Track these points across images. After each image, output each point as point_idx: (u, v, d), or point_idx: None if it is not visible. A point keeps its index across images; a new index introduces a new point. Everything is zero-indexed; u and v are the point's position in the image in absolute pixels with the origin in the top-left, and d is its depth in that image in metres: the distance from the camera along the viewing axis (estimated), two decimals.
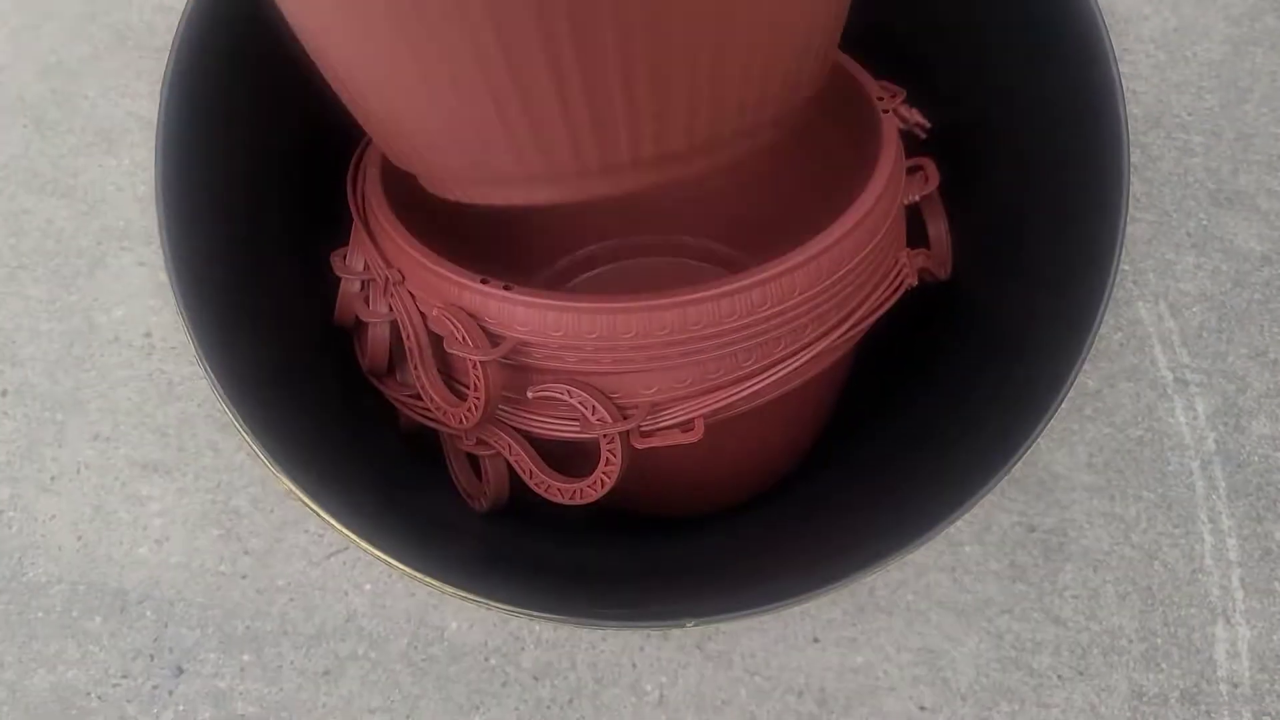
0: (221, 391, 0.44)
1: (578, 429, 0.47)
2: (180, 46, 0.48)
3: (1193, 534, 0.75)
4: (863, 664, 0.73)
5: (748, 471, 0.54)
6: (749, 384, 0.47)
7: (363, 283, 0.53)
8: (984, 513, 0.75)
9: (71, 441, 0.76)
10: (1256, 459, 0.76)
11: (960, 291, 0.56)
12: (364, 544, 0.42)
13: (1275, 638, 0.74)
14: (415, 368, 0.49)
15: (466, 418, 0.48)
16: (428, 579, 0.42)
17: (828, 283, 0.46)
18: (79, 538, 0.74)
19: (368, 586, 0.73)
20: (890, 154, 0.51)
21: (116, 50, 0.83)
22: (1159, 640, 0.73)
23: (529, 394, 0.46)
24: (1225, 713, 0.73)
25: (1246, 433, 0.77)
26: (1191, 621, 0.74)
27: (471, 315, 0.45)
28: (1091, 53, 0.47)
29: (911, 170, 0.55)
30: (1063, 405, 0.76)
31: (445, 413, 0.49)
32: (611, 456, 0.46)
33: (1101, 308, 0.44)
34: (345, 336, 0.57)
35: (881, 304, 0.50)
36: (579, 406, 0.46)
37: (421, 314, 0.48)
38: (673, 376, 0.46)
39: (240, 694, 0.72)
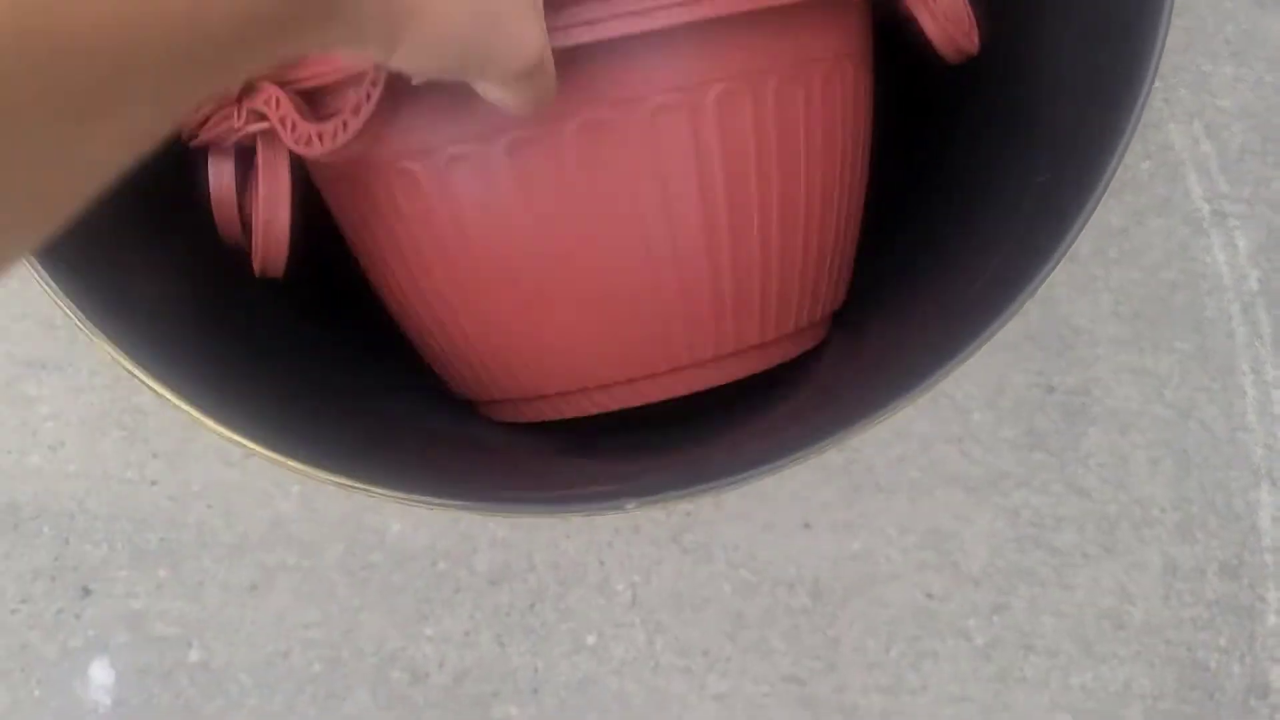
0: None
1: (355, 64, 0.37)
2: None
3: (1233, 388, 0.66)
4: (861, 550, 0.64)
5: (723, 273, 0.42)
6: None
7: None
8: (996, 373, 0.65)
9: None
10: None
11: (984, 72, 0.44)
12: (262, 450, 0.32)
13: None
14: None
15: None
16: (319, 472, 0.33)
17: None
18: None
19: (295, 488, 0.64)
20: None
21: None
22: (1195, 509, 0.64)
23: None
24: (1270, 585, 0.64)
25: None
26: (1231, 486, 0.65)
27: None
28: None
29: None
30: (1085, 249, 0.67)
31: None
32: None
33: (1152, 69, 0.34)
34: None
35: None
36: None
37: None
38: None
39: (158, 614, 0.63)
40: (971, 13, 0.42)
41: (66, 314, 0.34)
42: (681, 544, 0.64)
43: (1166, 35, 0.34)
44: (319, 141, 0.37)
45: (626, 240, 0.40)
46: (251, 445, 0.32)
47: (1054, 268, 0.33)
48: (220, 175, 0.44)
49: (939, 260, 0.43)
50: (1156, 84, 0.66)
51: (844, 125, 0.42)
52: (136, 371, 0.34)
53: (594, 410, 0.45)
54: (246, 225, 0.44)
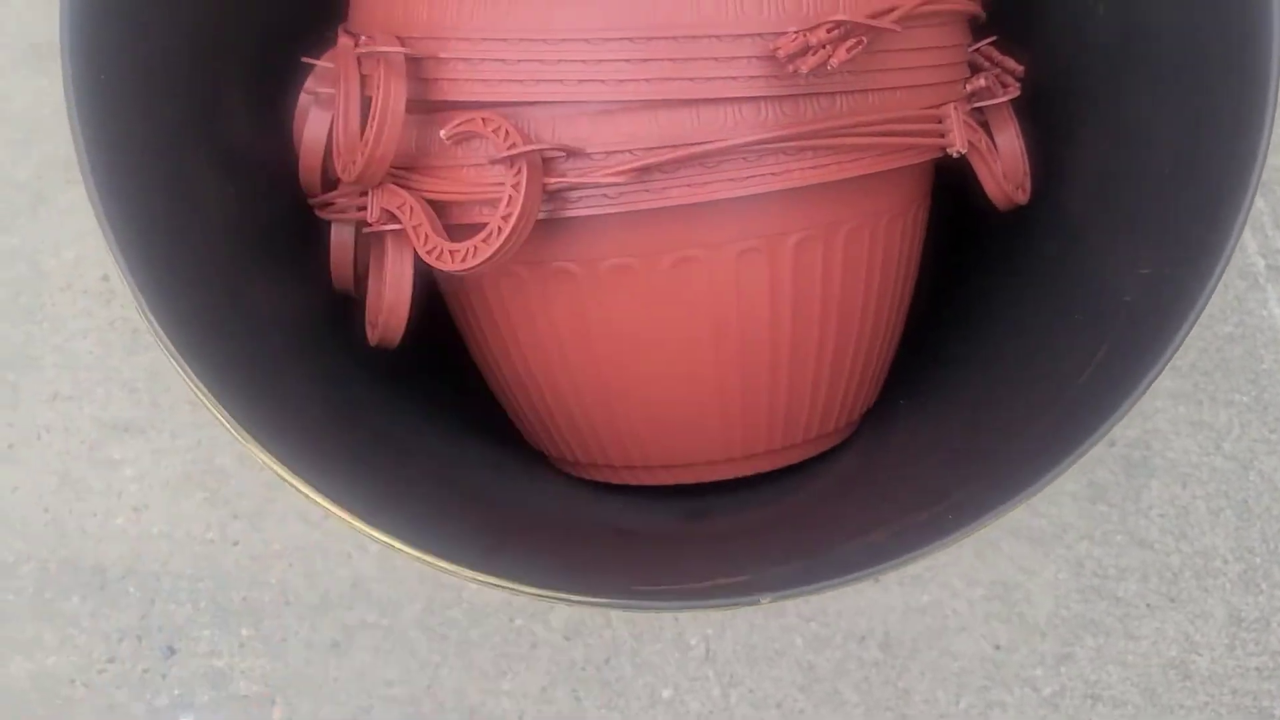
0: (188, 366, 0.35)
1: (484, 181, 0.40)
2: None
3: None
4: (929, 603, 0.65)
5: (781, 385, 0.46)
6: (708, 144, 0.39)
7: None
8: None
9: (28, 403, 0.68)
10: None
11: (1042, 222, 0.47)
12: (365, 526, 0.34)
13: None
14: (338, 117, 0.43)
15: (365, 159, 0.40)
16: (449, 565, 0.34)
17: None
18: (46, 510, 0.67)
19: (374, 547, 0.66)
20: None
21: None
22: (1258, 559, 0.66)
23: (442, 134, 0.40)
24: None
25: None
26: None
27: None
28: None
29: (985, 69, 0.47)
30: None
31: (351, 160, 0.42)
32: (515, 193, 0.38)
33: (1222, 263, 0.36)
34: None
35: (912, 143, 0.42)
36: (491, 137, 0.38)
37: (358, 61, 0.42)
38: (613, 124, 0.39)
39: (241, 672, 0.65)
40: (1028, 168, 0.45)
41: (224, 425, 0.35)
42: None
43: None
44: (449, 259, 0.39)
45: (705, 352, 0.44)
46: (407, 549, 0.34)
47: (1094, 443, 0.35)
48: (341, 239, 0.47)
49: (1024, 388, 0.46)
50: None
51: (900, 259, 0.47)
52: (294, 480, 0.35)
53: (670, 481, 0.49)
54: (360, 282, 0.47)
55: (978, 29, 0.48)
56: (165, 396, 0.68)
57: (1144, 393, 0.36)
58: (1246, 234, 0.69)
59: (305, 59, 0.46)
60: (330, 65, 0.45)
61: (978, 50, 0.48)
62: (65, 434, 0.67)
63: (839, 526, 0.42)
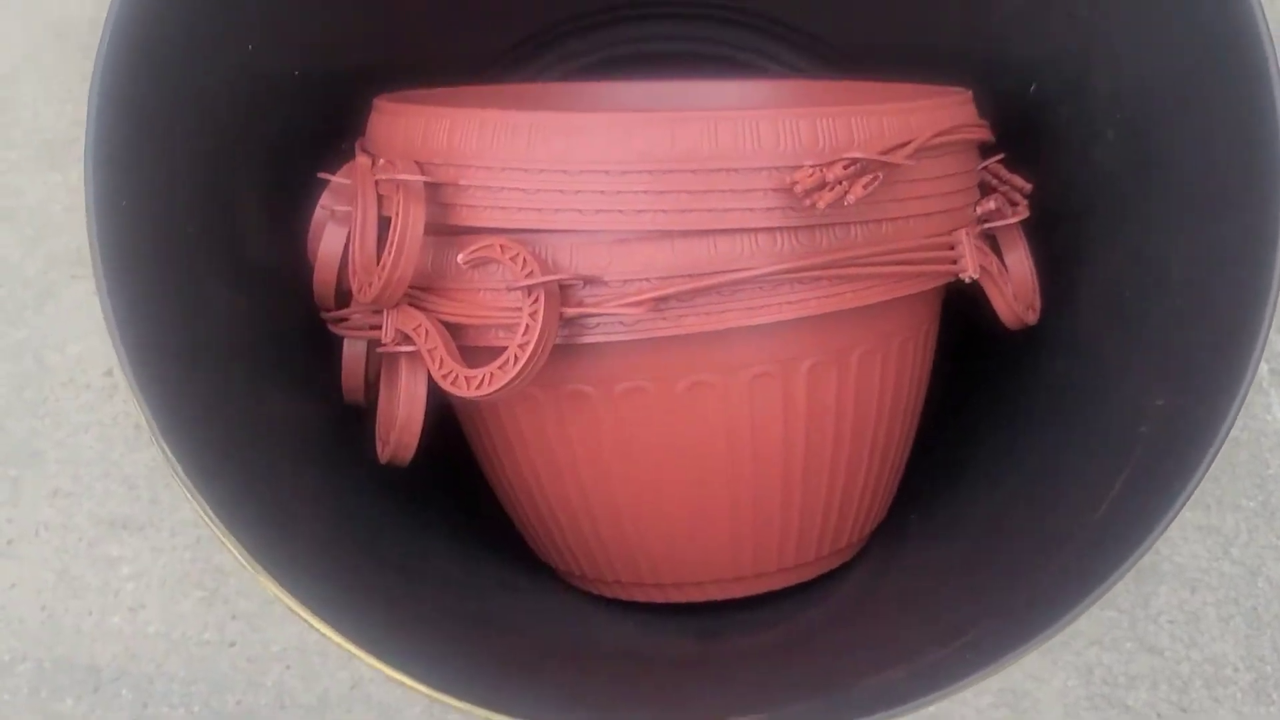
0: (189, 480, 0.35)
1: (501, 306, 0.40)
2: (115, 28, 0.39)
3: None
4: (936, 711, 0.64)
5: (793, 506, 0.46)
6: (724, 274, 0.39)
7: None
8: None
9: (28, 499, 0.67)
10: None
11: (1054, 342, 0.48)
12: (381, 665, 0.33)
13: None
14: (354, 236, 0.43)
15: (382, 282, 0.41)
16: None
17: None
18: (43, 608, 0.66)
19: None
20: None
21: (56, 50, 0.73)
22: (1269, 668, 0.65)
23: (459, 259, 0.40)
24: None
25: None
26: None
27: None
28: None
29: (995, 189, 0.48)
30: None
31: (368, 281, 0.42)
32: (533, 320, 0.38)
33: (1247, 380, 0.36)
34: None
35: (924, 271, 0.43)
36: (508, 264, 0.38)
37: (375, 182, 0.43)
38: (630, 253, 0.39)
39: None
40: (1038, 289, 0.46)
41: (233, 553, 0.35)
42: None
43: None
44: (465, 384, 0.39)
45: (718, 473, 0.45)
46: (419, 687, 0.33)
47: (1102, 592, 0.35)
48: (353, 354, 0.47)
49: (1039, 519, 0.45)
50: None
51: (912, 378, 0.48)
52: (303, 612, 0.35)
53: (680, 599, 0.49)
54: (370, 393, 0.47)
55: (987, 148, 0.49)
56: (165, 493, 0.67)
57: (1165, 530, 0.36)
58: None
59: (322, 175, 0.47)
60: (346, 181, 0.46)
61: (986, 168, 0.49)
62: (64, 530, 0.67)
63: (853, 655, 0.42)
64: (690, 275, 0.39)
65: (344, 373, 0.47)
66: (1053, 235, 0.49)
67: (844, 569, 0.50)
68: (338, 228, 0.46)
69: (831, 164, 0.38)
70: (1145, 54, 0.44)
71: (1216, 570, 0.67)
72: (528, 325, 0.38)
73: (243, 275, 0.46)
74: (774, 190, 0.39)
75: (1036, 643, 0.34)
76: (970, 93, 0.47)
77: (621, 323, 0.39)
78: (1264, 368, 0.69)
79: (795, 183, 0.38)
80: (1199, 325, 0.40)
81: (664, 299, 0.39)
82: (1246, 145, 0.39)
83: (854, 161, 0.38)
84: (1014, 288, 0.47)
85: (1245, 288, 0.38)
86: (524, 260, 0.38)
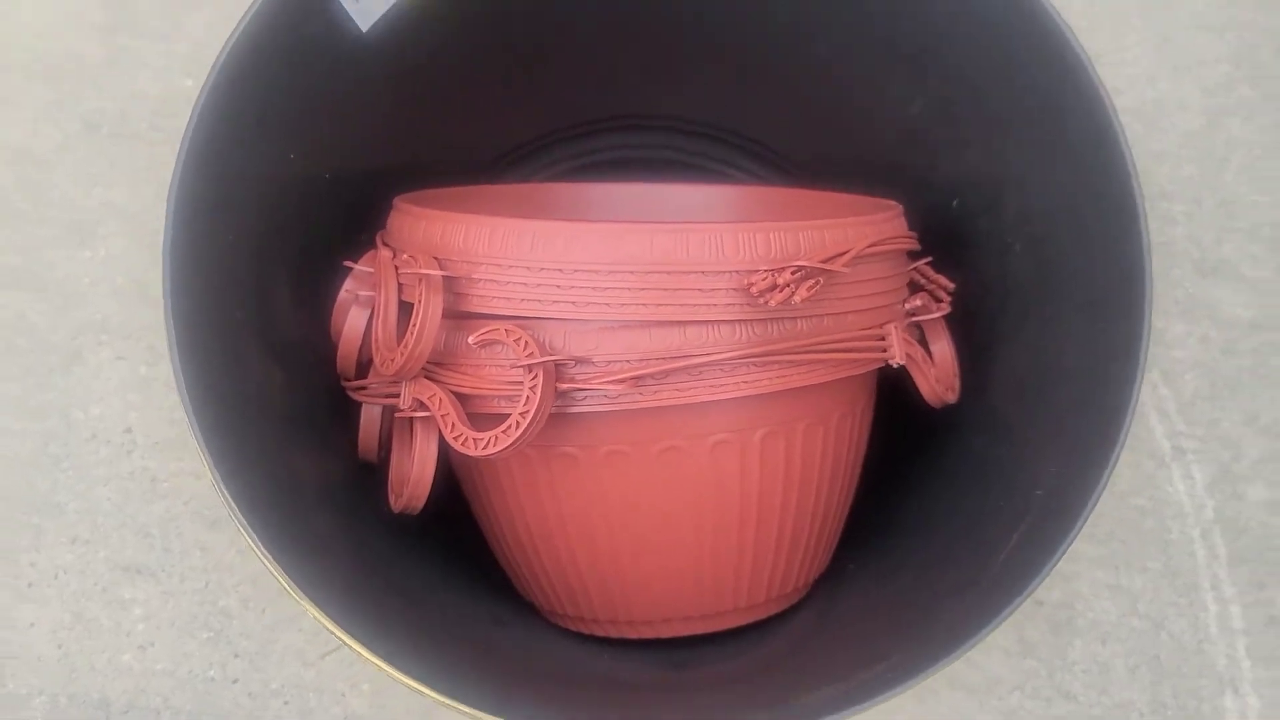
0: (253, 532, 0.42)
1: (505, 380, 0.48)
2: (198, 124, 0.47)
3: (1197, 603, 0.75)
4: None
5: (747, 554, 0.53)
6: (692, 357, 0.47)
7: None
8: None
9: (49, 546, 0.73)
10: (1255, 525, 0.77)
11: (970, 419, 0.56)
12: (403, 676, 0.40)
13: None
14: (377, 318, 0.50)
15: (404, 359, 0.48)
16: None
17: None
18: (59, 646, 0.71)
19: (365, 686, 0.71)
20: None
21: (87, 139, 0.80)
22: (1170, 712, 0.73)
23: (469, 340, 0.47)
24: None
25: (1244, 500, 0.77)
26: (1201, 692, 0.74)
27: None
28: (1109, 157, 0.47)
29: (922, 288, 0.56)
30: None
31: (390, 358, 0.49)
32: (532, 393, 0.45)
33: (1122, 434, 0.45)
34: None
35: (859, 357, 0.51)
36: (512, 345, 0.46)
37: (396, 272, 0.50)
38: (614, 338, 0.47)
39: None
40: (959, 372, 0.55)
41: (273, 573, 0.42)
42: None
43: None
44: (473, 445, 0.46)
45: (685, 525, 0.52)
46: (434, 695, 0.40)
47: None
48: (370, 418, 0.55)
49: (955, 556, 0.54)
50: None
51: (848, 448, 0.56)
52: (336, 629, 0.41)
53: (650, 635, 0.56)
54: (383, 452, 0.55)
55: (918, 250, 0.57)
56: (177, 542, 0.73)
57: (1046, 577, 0.44)
58: (1154, 419, 0.78)
59: (347, 263, 0.55)
60: (368, 269, 0.54)
61: (916, 269, 0.57)
62: (81, 575, 0.72)
63: (799, 678, 0.49)
64: (664, 358, 0.47)
65: (361, 434, 0.55)
66: (973, 329, 0.58)
67: (794, 609, 0.57)
68: (360, 309, 0.54)
69: (781, 270, 0.46)
70: (1044, 184, 0.53)
71: (1125, 625, 0.75)
72: (528, 397, 0.46)
73: (276, 350, 0.53)
74: (734, 290, 0.47)
75: (943, 664, 0.42)
76: (901, 207, 0.56)
77: (606, 396, 0.47)
78: (1167, 445, 0.78)
79: (752, 284, 0.46)
80: (1084, 408, 0.49)
81: (642, 377, 0.47)
82: (1120, 264, 0.48)
83: (800, 268, 0.46)
84: (937, 372, 0.55)
85: (1118, 378, 0.47)
86: (526, 343, 0.46)
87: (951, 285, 0.58)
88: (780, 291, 0.46)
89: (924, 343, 0.56)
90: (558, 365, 0.47)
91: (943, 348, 0.56)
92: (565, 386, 0.47)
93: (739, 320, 0.47)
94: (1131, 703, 0.73)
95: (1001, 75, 0.53)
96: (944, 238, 0.58)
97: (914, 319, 0.55)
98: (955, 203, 0.59)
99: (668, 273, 0.46)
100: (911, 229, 0.56)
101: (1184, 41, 0.85)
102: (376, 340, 0.51)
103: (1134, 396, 0.46)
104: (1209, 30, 0.85)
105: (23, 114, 0.80)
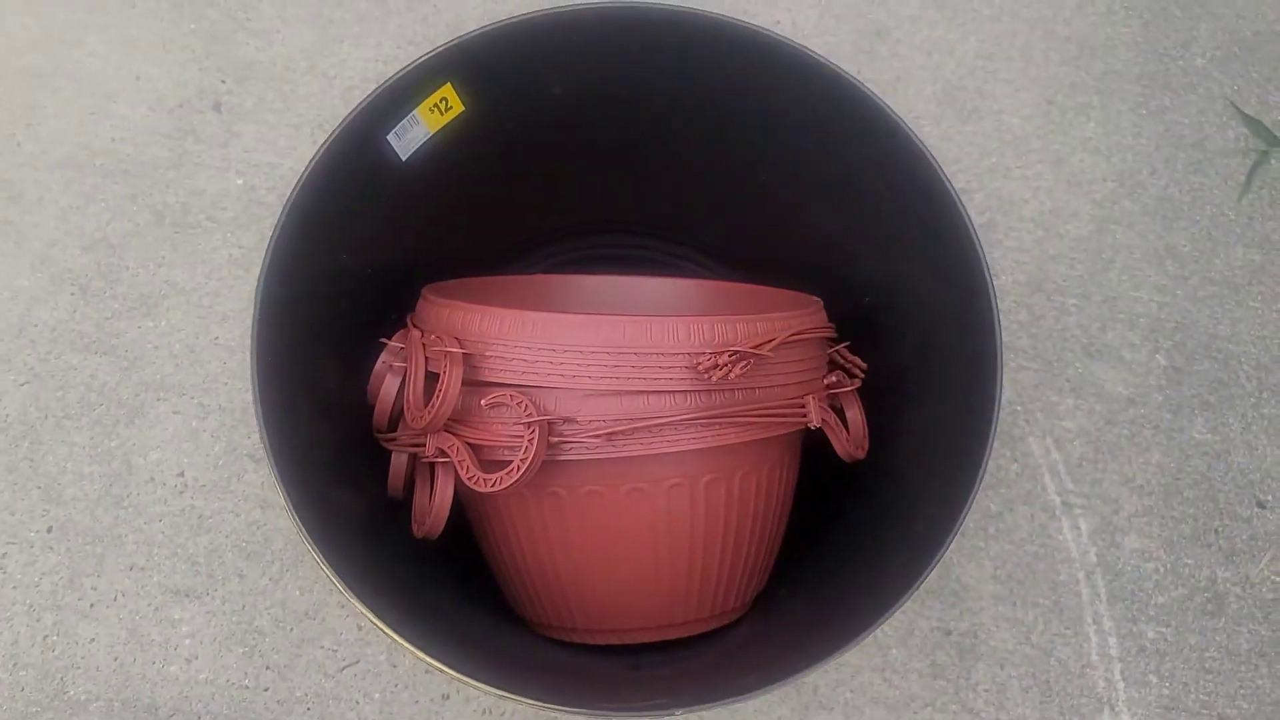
0: (320, 551, 0.56)
1: (509, 434, 0.61)
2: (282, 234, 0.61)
3: (1080, 634, 0.89)
4: None
5: (695, 575, 0.67)
6: (653, 419, 0.60)
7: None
8: (907, 620, 0.88)
9: (110, 572, 0.85)
10: (1129, 569, 0.91)
11: (874, 471, 0.71)
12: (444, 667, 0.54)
13: None
14: (409, 384, 0.64)
15: (430, 416, 0.62)
16: (494, 689, 0.54)
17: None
18: (115, 659, 0.83)
19: (376, 695, 0.83)
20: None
21: (155, 227, 0.95)
22: None
23: (482, 402, 0.61)
24: None
25: (1121, 547, 0.91)
26: (1083, 710, 0.87)
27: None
28: (970, 266, 0.62)
29: (840, 366, 0.71)
30: (971, 526, 0.91)
31: (420, 415, 0.63)
32: (530, 444, 0.59)
33: (981, 469, 0.59)
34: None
35: (784, 421, 0.64)
36: (515, 407, 0.59)
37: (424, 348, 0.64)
38: (594, 404, 0.61)
39: None
40: (868, 435, 0.69)
41: (333, 582, 0.55)
42: None
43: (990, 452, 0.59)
44: (484, 484, 0.60)
45: (645, 551, 0.66)
46: (451, 672, 0.54)
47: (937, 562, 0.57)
48: (398, 463, 0.68)
49: (864, 559, 0.67)
50: (1018, 406, 0.92)
51: (780, 490, 0.70)
52: (381, 626, 0.55)
53: (617, 641, 0.70)
54: (409, 490, 0.67)
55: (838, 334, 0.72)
56: (220, 569, 0.86)
57: (920, 585, 0.58)
58: (1047, 478, 0.93)
59: (383, 340, 0.69)
60: (400, 345, 0.68)
61: (837, 350, 0.72)
62: (137, 597, 0.85)
63: (733, 672, 0.63)
64: (632, 419, 0.61)
65: (390, 475, 0.69)
66: (879, 400, 0.72)
67: (732, 625, 0.71)
68: (394, 377, 0.68)
69: (722, 353, 0.61)
70: (926, 288, 0.68)
71: (1020, 652, 0.88)
72: (527, 446, 0.60)
73: (326, 409, 0.67)
74: (686, 368, 0.61)
75: (848, 649, 0.56)
76: (821, 302, 0.71)
77: (586, 447, 0.61)
78: (1058, 500, 0.92)
79: (699, 364, 0.61)
80: (957, 462, 0.63)
81: (614, 434, 0.61)
82: (979, 353, 0.63)
83: (736, 352, 0.61)
84: (850, 434, 0.70)
85: (977, 439, 0.61)
86: (526, 405, 0.60)
87: (864, 365, 0.72)
88: (720, 369, 0.60)
89: (840, 411, 0.70)
90: (550, 423, 0.61)
91: (855, 414, 0.71)
92: (555, 440, 0.61)
93: (689, 390, 0.62)
94: (1024, 718, 0.86)
95: (895, 204, 0.68)
96: (858, 325, 0.73)
97: (832, 391, 0.70)
98: (866, 299, 0.74)
99: (635, 353, 0.61)
100: (832, 319, 0.71)
101: (1076, 162, 1.01)
102: (408, 402, 0.65)
103: (987, 453, 0.60)
104: (1097, 153, 1.02)
105: (102, 207, 0.95)
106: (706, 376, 0.61)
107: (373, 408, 0.68)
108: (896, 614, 0.85)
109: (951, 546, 0.86)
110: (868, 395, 0.72)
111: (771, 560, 0.73)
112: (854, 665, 0.87)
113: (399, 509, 0.69)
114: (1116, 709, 0.88)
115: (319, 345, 0.67)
